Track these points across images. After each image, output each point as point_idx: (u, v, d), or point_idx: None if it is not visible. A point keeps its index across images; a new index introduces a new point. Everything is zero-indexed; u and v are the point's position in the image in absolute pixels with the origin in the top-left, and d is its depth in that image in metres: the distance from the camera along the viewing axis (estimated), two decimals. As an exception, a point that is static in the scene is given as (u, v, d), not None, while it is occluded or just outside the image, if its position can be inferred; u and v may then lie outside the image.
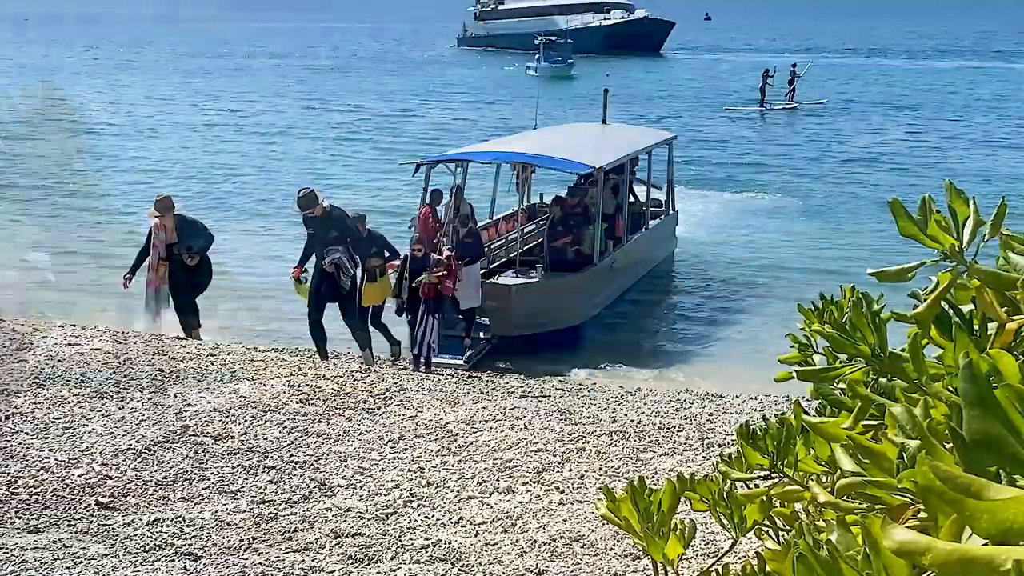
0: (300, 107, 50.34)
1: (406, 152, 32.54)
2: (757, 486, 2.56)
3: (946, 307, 2.06)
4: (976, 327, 2.03)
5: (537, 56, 68.75)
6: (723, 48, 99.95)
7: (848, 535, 1.37)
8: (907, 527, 1.17)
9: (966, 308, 2.08)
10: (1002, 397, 1.10)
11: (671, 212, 21.71)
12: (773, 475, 2.51)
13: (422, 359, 14.14)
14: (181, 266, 14.08)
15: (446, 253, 15.06)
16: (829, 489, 2.13)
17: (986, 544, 1.03)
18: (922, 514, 1.58)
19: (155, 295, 14.04)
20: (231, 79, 64.53)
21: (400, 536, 6.70)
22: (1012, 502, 0.98)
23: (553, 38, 72.67)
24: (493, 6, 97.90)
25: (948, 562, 1.02)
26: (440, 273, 14.03)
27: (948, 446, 1.53)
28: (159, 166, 33.18)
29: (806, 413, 2.50)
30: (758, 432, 2.51)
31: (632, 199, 19.99)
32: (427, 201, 17.04)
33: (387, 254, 14.61)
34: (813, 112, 49.22)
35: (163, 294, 14.05)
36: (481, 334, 15.84)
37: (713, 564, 3.10)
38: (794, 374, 2.46)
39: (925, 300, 2.05)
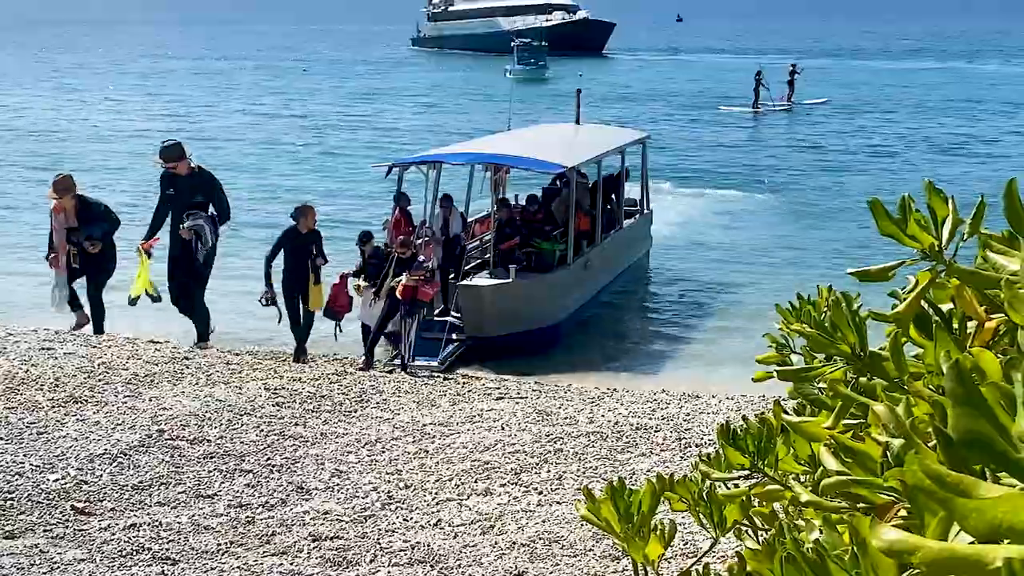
0: (267, 111, 50.14)
1: (375, 156, 32.50)
2: (737, 486, 2.57)
3: (925, 306, 2.07)
4: (955, 326, 2.05)
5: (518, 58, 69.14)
6: (686, 49, 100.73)
7: (834, 534, 1.37)
8: (891, 526, 1.17)
9: (945, 307, 2.09)
10: (988, 395, 1.10)
11: (646, 211, 21.76)
12: (754, 475, 2.51)
13: (405, 361, 14.16)
14: (83, 253, 12.82)
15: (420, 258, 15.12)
16: (810, 488, 2.14)
17: (974, 543, 1.03)
18: (902, 512, 1.59)
19: (61, 283, 12.82)
20: (187, 83, 64.26)
21: (379, 539, 6.68)
22: (1001, 500, 0.98)
23: (528, 39, 73.07)
24: (443, 8, 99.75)
25: (937, 561, 1.02)
26: (419, 277, 14.03)
27: (930, 444, 1.53)
28: (116, 172, 32.99)
29: (786, 413, 2.51)
30: (738, 432, 2.51)
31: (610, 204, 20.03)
32: (398, 204, 17.04)
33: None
34: (808, 113, 49.40)
35: (62, 282, 12.85)
36: (454, 335, 15.82)
37: (693, 564, 3.10)
38: (774, 374, 2.46)
39: (905, 299, 2.05)
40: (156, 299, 13.24)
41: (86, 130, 42.17)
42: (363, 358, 14.10)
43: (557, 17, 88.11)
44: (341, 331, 14.63)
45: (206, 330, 13.33)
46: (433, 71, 77.65)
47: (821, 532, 1.87)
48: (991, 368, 1.39)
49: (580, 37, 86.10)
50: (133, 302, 13.28)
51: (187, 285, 13.03)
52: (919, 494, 1.08)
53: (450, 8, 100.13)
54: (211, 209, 12.99)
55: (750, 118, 48.72)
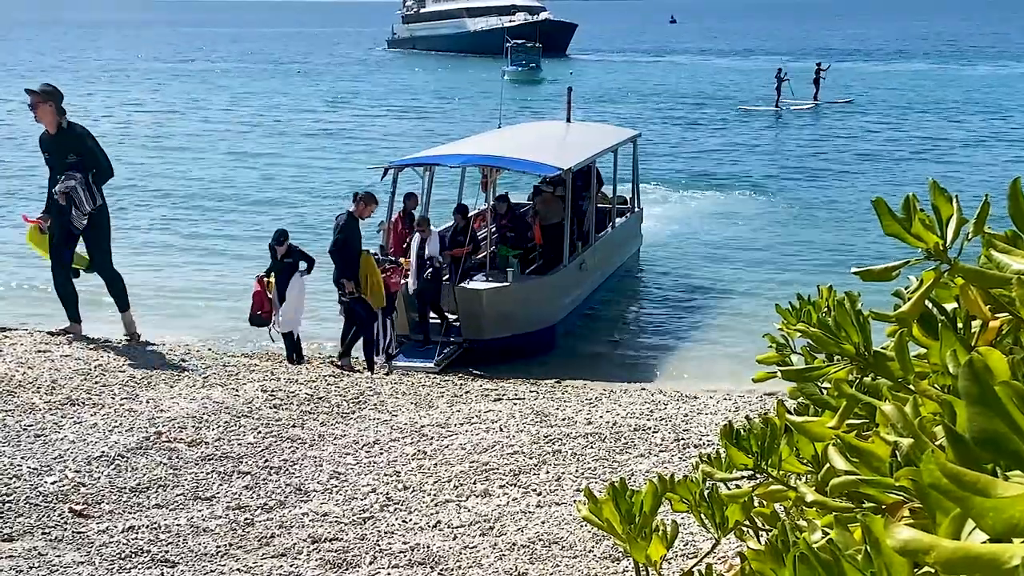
0: (257, 112, 50.10)
1: (368, 156, 32.57)
2: (739, 486, 2.57)
3: (929, 305, 2.07)
4: (960, 325, 2.05)
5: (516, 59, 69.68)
6: (677, 50, 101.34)
7: (846, 534, 1.37)
8: (905, 525, 1.17)
9: (948, 306, 2.09)
10: (1002, 394, 1.10)
11: (636, 210, 21.78)
12: (757, 475, 2.51)
13: (386, 358, 14.21)
14: None
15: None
16: (814, 488, 2.14)
17: (987, 542, 1.03)
18: (904, 511, 1.59)
19: None
20: (178, 85, 64.20)
21: (378, 540, 6.68)
22: (1019, 499, 0.98)
23: (521, 40, 73.64)
24: (416, 10, 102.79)
25: (952, 560, 1.02)
26: (387, 271, 14.13)
27: (937, 443, 1.54)
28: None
29: (789, 413, 2.51)
30: (742, 432, 2.51)
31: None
32: (401, 205, 17.06)
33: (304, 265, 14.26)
34: (829, 113, 49.35)
35: None
36: (451, 338, 15.82)
37: (695, 564, 3.10)
38: (779, 374, 2.46)
39: (909, 299, 2.06)
40: (87, 270, 12.13)
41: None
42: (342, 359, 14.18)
43: (519, 18, 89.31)
44: (273, 340, 14.49)
45: (125, 298, 12.12)
46: (412, 71, 78.06)
47: (824, 532, 1.88)
48: (1000, 367, 1.39)
49: (541, 37, 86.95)
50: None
51: (62, 252, 11.69)
52: (931, 493, 1.08)
53: (421, 11, 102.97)
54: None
55: (769, 117, 48.58)
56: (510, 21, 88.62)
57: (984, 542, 1.04)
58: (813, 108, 50.61)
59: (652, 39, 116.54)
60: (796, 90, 50.57)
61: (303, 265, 14.35)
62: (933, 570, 1.12)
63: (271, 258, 14.56)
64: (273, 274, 14.39)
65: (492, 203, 18.17)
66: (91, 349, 11.31)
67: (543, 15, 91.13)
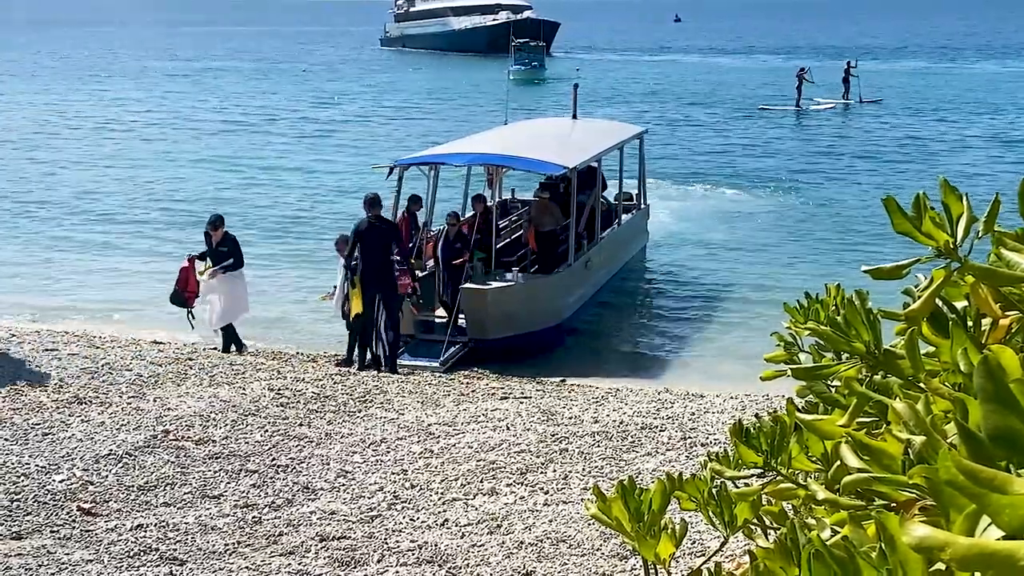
0: (258, 112, 50.02)
1: (371, 156, 32.52)
2: (747, 484, 2.57)
3: (939, 304, 2.07)
4: (970, 323, 2.05)
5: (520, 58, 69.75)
6: (677, 48, 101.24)
7: (860, 531, 1.38)
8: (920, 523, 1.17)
9: (959, 304, 2.09)
10: (1017, 392, 1.10)
11: (642, 207, 21.75)
12: (766, 473, 2.51)
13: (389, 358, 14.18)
14: None
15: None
16: (824, 486, 2.14)
17: (1001, 538, 1.04)
18: (915, 509, 1.59)
19: None
20: (172, 85, 64.05)
21: (386, 539, 6.68)
22: (1035, 496, 0.98)
23: (526, 39, 73.69)
24: (406, 8, 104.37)
25: (968, 557, 1.03)
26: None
27: (948, 440, 1.54)
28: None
29: (799, 411, 2.50)
30: (751, 430, 2.51)
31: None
32: (406, 206, 17.01)
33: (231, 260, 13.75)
34: (847, 112, 49.08)
35: None
36: (457, 338, 15.78)
37: (704, 563, 3.10)
38: (788, 372, 2.46)
39: (919, 297, 2.06)
40: None
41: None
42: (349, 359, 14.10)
43: (503, 17, 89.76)
44: (194, 318, 14.18)
45: None
46: (409, 70, 78.23)
47: (833, 530, 1.88)
48: (1012, 365, 1.39)
49: (525, 36, 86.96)
50: None
51: None
52: (946, 490, 1.08)
53: (411, 9, 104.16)
54: None
55: (789, 116, 48.20)
56: (493, 20, 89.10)
57: (998, 539, 1.04)
58: (841, 107, 50.23)
59: (655, 38, 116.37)
60: (819, 90, 50.10)
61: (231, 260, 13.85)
62: (945, 567, 1.13)
63: (206, 245, 14.10)
64: (209, 260, 13.88)
65: (495, 202, 18.11)
66: (97, 348, 11.34)
67: (526, 13, 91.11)
